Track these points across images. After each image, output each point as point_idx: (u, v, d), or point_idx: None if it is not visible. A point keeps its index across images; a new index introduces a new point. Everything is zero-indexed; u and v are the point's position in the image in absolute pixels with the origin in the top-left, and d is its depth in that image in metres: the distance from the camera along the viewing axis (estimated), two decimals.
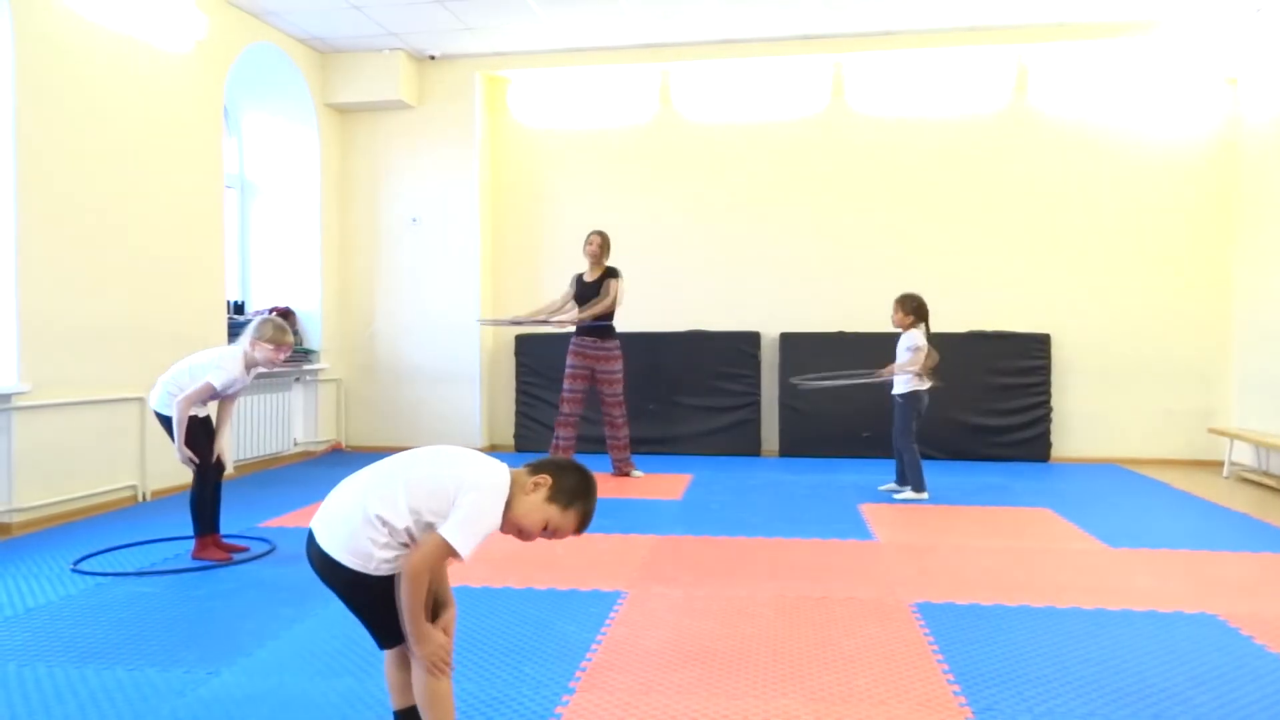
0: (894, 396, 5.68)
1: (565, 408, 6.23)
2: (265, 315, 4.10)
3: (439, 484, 1.95)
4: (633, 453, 6.59)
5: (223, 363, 3.94)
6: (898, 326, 5.75)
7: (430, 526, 1.93)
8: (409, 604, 1.92)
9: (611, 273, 6.20)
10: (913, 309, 5.69)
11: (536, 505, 1.99)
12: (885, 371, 5.73)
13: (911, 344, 5.60)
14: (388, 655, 2.12)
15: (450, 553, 1.89)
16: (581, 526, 2.04)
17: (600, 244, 6.21)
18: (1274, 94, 6.68)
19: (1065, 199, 7.38)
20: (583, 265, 6.37)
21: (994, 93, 7.47)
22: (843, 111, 7.62)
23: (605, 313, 6.13)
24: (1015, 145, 7.42)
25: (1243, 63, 7.06)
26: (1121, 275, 7.32)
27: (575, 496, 2.01)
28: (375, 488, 1.98)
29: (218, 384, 3.87)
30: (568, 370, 6.23)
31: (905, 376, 5.61)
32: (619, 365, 6.22)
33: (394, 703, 2.15)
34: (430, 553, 1.90)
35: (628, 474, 6.33)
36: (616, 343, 6.22)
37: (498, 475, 1.99)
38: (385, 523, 1.92)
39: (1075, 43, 7.03)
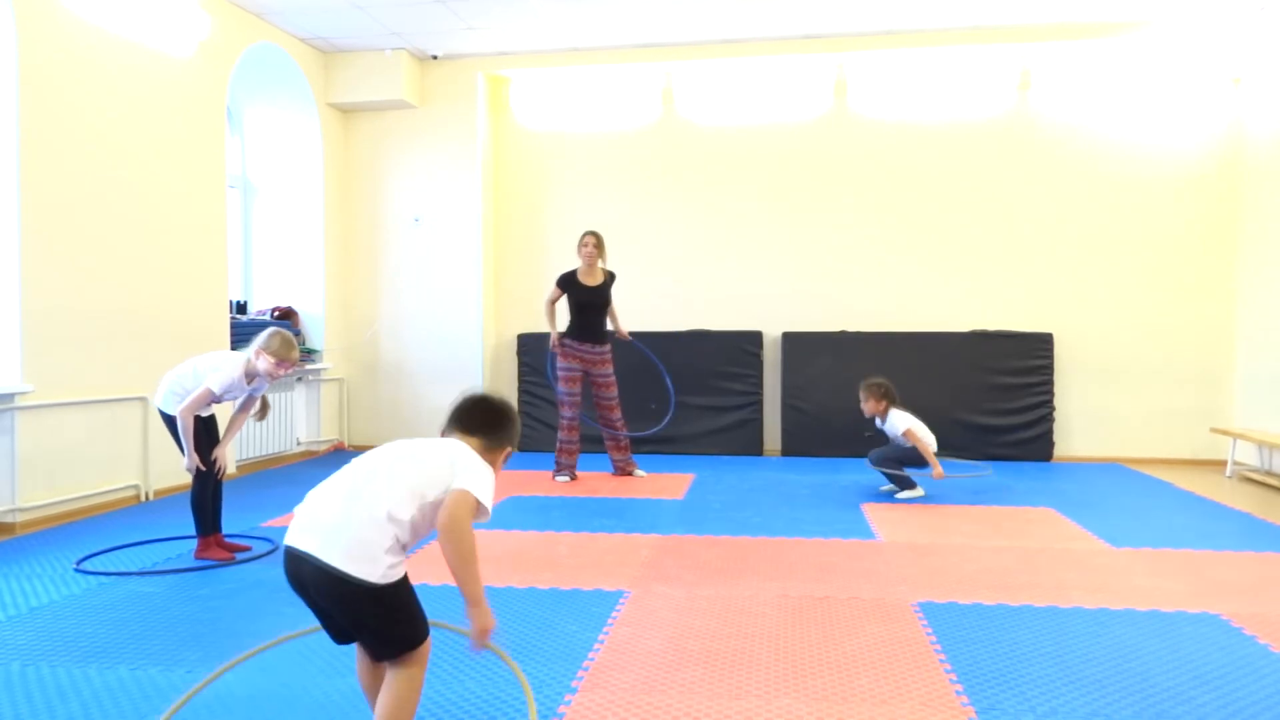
0: (900, 438, 5.57)
1: (568, 411, 6.12)
2: (277, 328, 4.07)
3: (433, 465, 2.02)
4: (635, 453, 6.59)
5: (222, 365, 3.94)
6: (872, 413, 5.67)
7: (434, 505, 1.98)
8: (465, 556, 1.93)
9: (613, 279, 6.21)
10: (884, 394, 5.62)
11: (498, 468, 2.20)
12: (937, 471, 5.49)
13: (905, 426, 5.52)
14: (366, 660, 2.11)
15: (476, 505, 1.96)
16: None
17: (596, 244, 6.08)
18: (1278, 92, 6.67)
19: (1069, 199, 7.38)
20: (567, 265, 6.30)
21: (997, 94, 7.46)
22: (845, 113, 7.62)
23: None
24: (1019, 146, 7.42)
25: (1247, 62, 7.06)
26: (1125, 274, 7.32)
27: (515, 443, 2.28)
28: (370, 488, 1.96)
29: (216, 388, 3.87)
30: (562, 374, 6.11)
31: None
32: (612, 368, 6.17)
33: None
34: (459, 502, 1.94)
35: (630, 473, 6.31)
36: (610, 345, 6.20)
37: (471, 450, 2.12)
38: (393, 519, 1.92)
39: (1078, 42, 7.01)
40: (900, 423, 5.56)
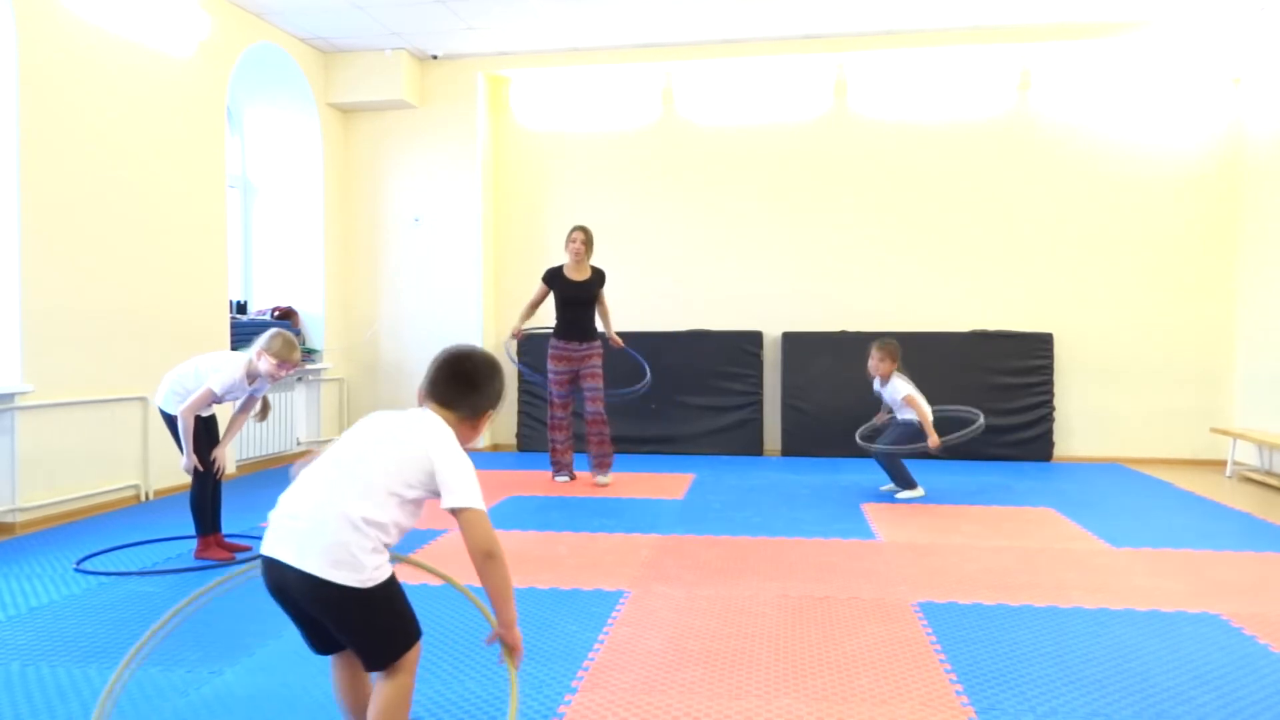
0: (911, 422, 5.53)
1: (557, 412, 6.03)
2: (278, 329, 4.06)
3: (407, 458, 1.91)
4: (635, 452, 6.53)
5: (224, 365, 3.94)
6: (881, 374, 5.62)
7: (415, 502, 1.92)
8: (508, 583, 1.89)
9: (603, 279, 6.04)
10: (896, 355, 5.61)
11: (481, 431, 2.12)
12: (934, 440, 5.42)
13: (906, 391, 5.54)
14: (345, 672, 2.03)
15: (486, 515, 1.91)
16: None
17: (584, 241, 5.92)
18: (1278, 92, 6.67)
19: (1069, 199, 7.38)
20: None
21: (997, 95, 7.46)
22: (845, 113, 7.62)
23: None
24: (1019, 146, 7.42)
25: (1247, 62, 7.06)
26: (1125, 274, 7.32)
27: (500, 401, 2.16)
28: (343, 489, 1.87)
29: (217, 388, 3.87)
30: (551, 376, 5.99)
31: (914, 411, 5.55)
32: (600, 361, 5.97)
33: None
34: (483, 527, 1.88)
35: (600, 474, 5.98)
36: (599, 342, 6.02)
37: (445, 428, 2.01)
38: (373, 523, 1.85)
39: (1078, 42, 7.02)
40: (902, 388, 5.56)
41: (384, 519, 1.87)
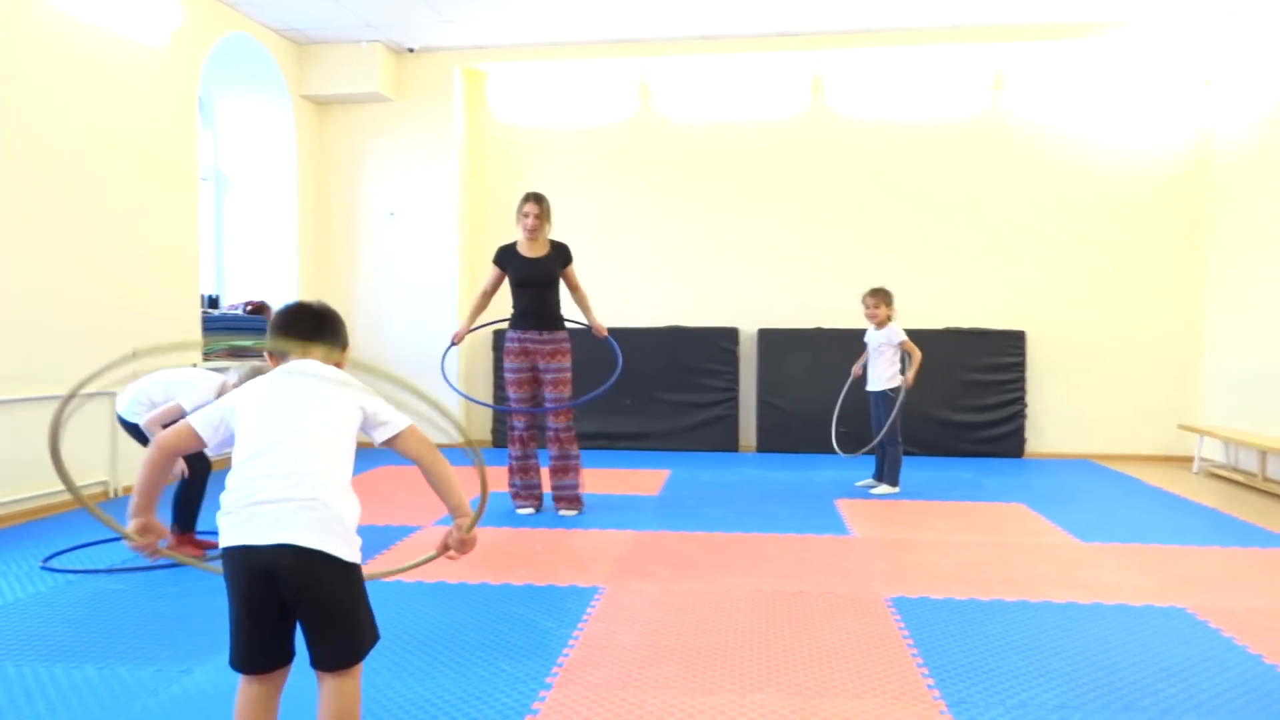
0: (885, 392, 5.62)
1: (516, 421, 4.92)
2: (260, 364, 4.00)
3: (343, 410, 1.95)
4: (610, 448, 6.47)
5: (197, 385, 3.88)
6: (878, 322, 5.68)
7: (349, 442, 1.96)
8: (452, 475, 2.00)
9: (566, 255, 4.94)
10: (891, 302, 5.69)
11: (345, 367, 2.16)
12: (911, 379, 5.60)
13: (900, 336, 5.62)
14: (253, 692, 1.87)
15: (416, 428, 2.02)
16: None
17: (539, 214, 4.80)
18: (1247, 95, 6.78)
19: (1042, 198, 7.45)
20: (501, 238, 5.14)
21: (971, 94, 7.52)
22: (822, 111, 7.65)
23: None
24: (992, 145, 7.48)
25: (1217, 64, 7.15)
26: (1096, 273, 7.41)
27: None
28: (321, 461, 1.84)
29: (187, 405, 3.82)
30: (509, 376, 4.87)
31: (894, 371, 5.63)
32: (568, 362, 4.89)
33: None
34: (419, 436, 2.00)
35: (563, 508, 4.94)
36: (566, 334, 4.92)
37: (340, 371, 2.07)
38: (349, 487, 1.88)
39: (1051, 43, 7.09)
40: (900, 331, 5.65)
41: (349, 477, 1.92)
